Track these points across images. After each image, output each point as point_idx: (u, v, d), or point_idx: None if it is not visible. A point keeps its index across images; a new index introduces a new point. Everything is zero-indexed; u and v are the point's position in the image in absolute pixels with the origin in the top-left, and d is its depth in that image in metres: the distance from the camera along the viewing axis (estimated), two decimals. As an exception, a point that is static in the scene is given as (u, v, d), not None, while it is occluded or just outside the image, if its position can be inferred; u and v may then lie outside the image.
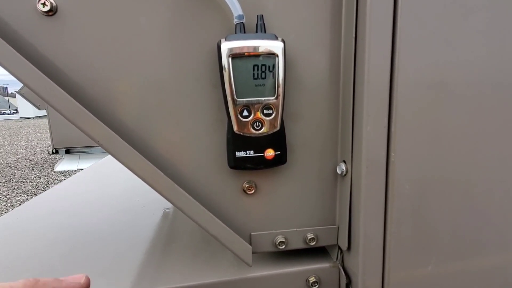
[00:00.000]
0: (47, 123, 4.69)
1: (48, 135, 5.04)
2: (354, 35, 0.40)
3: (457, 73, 0.41)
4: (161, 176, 0.39)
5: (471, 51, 0.40)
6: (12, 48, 0.34)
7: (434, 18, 0.39)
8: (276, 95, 0.39)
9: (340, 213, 0.47)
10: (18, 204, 3.52)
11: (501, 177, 0.45)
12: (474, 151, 0.43)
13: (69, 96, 0.36)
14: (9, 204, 3.54)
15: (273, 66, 0.38)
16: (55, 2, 0.36)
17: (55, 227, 0.69)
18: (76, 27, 0.37)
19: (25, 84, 0.35)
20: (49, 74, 0.36)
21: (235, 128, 0.40)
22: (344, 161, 0.44)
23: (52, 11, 0.36)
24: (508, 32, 0.41)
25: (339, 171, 0.45)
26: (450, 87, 0.41)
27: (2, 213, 3.27)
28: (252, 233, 0.46)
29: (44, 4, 0.35)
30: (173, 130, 0.41)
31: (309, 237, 0.47)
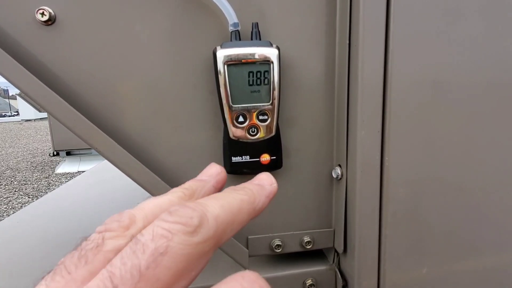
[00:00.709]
0: (47, 125, 4.70)
1: (49, 137, 5.05)
2: (348, 42, 0.40)
3: (450, 77, 0.41)
4: (159, 182, 0.39)
5: (464, 57, 0.41)
6: (10, 57, 0.35)
7: (427, 25, 0.39)
8: (271, 101, 0.40)
9: (336, 216, 0.47)
10: (19, 206, 3.53)
11: (496, 179, 0.45)
12: (469, 153, 0.44)
13: (67, 104, 0.37)
14: (10, 207, 3.55)
15: (268, 73, 0.39)
16: (53, 11, 0.37)
17: (56, 230, 0.70)
18: (74, 36, 0.38)
19: (24, 92, 0.36)
20: (48, 82, 0.37)
21: (231, 134, 0.40)
22: (339, 165, 0.45)
23: (51, 21, 0.37)
24: (500, 34, 0.41)
25: (334, 175, 0.45)
26: (444, 91, 0.41)
27: (3, 216, 3.28)
28: (248, 237, 0.46)
29: (42, 13, 0.36)
30: (171, 136, 0.42)
31: (305, 240, 0.47)
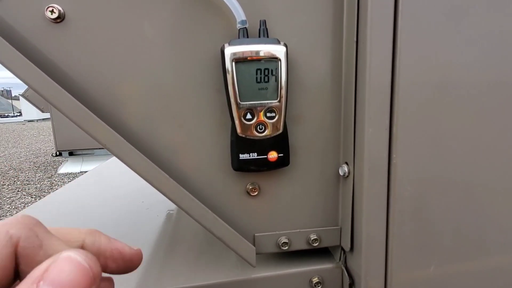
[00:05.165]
0: (50, 126, 4.72)
1: (52, 138, 5.07)
2: (355, 39, 0.40)
3: (457, 75, 0.41)
4: (167, 178, 0.40)
5: (471, 54, 0.41)
6: (21, 54, 0.35)
7: (435, 22, 0.39)
8: (279, 98, 0.40)
9: (343, 214, 0.47)
10: (22, 206, 3.54)
11: (503, 178, 0.45)
12: (476, 152, 0.44)
13: (76, 101, 0.37)
14: (13, 206, 3.56)
15: (276, 70, 0.39)
16: (63, 9, 0.37)
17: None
18: (82, 34, 0.38)
19: (33, 89, 0.36)
20: (57, 79, 0.37)
21: (238, 131, 0.40)
22: (347, 163, 0.45)
23: (60, 18, 0.37)
24: (508, 32, 0.41)
25: (341, 173, 0.45)
26: (451, 89, 0.41)
27: (6, 215, 3.29)
28: (255, 234, 0.46)
29: (52, 11, 0.36)
30: (177, 133, 0.42)
31: (312, 238, 0.47)
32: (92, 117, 0.37)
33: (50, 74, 0.37)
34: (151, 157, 0.40)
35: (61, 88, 0.36)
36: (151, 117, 0.41)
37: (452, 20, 0.40)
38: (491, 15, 0.40)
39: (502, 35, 0.41)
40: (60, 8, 0.37)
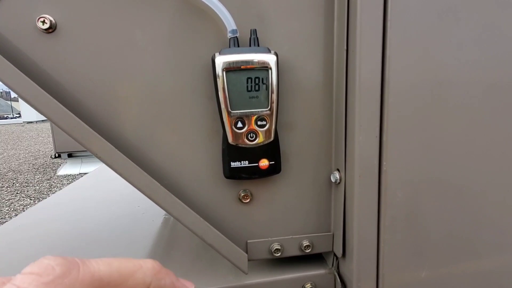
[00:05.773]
0: (49, 127, 4.71)
1: (51, 139, 5.07)
2: (345, 47, 0.40)
3: (447, 81, 0.41)
4: (158, 186, 0.40)
5: (460, 60, 0.41)
6: (11, 64, 0.35)
7: (423, 30, 0.39)
8: (269, 107, 0.40)
9: (335, 220, 0.47)
10: (21, 209, 3.53)
11: (495, 181, 0.46)
12: (467, 156, 0.44)
13: (65, 109, 0.37)
14: (12, 209, 3.56)
15: (266, 79, 0.39)
16: (54, 19, 0.37)
17: (55, 233, 0.70)
18: (74, 43, 0.38)
19: (23, 99, 0.36)
20: (48, 88, 0.38)
21: (229, 139, 0.41)
22: (338, 170, 0.45)
23: (52, 28, 0.37)
24: (497, 35, 0.42)
25: (333, 180, 0.46)
26: (441, 95, 0.42)
27: (5, 218, 3.29)
28: (248, 241, 0.46)
29: (43, 22, 0.36)
30: (169, 141, 0.42)
31: (304, 244, 0.47)
32: (82, 125, 0.37)
33: (42, 83, 0.37)
34: (142, 165, 0.41)
35: (50, 96, 0.36)
36: (143, 124, 0.42)
37: (440, 27, 0.40)
38: (480, 18, 0.41)
39: (491, 38, 0.41)
40: (51, 19, 0.37)
